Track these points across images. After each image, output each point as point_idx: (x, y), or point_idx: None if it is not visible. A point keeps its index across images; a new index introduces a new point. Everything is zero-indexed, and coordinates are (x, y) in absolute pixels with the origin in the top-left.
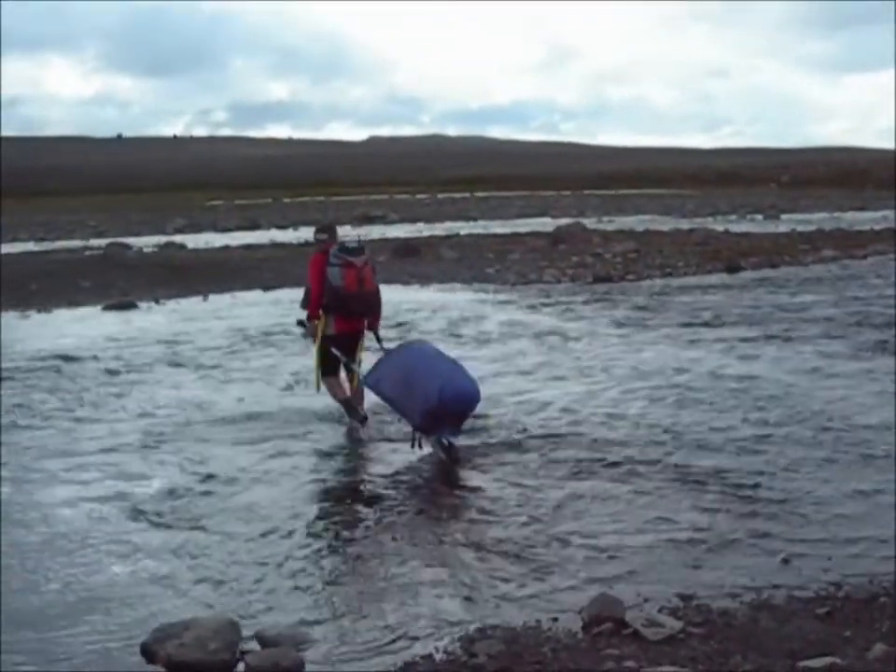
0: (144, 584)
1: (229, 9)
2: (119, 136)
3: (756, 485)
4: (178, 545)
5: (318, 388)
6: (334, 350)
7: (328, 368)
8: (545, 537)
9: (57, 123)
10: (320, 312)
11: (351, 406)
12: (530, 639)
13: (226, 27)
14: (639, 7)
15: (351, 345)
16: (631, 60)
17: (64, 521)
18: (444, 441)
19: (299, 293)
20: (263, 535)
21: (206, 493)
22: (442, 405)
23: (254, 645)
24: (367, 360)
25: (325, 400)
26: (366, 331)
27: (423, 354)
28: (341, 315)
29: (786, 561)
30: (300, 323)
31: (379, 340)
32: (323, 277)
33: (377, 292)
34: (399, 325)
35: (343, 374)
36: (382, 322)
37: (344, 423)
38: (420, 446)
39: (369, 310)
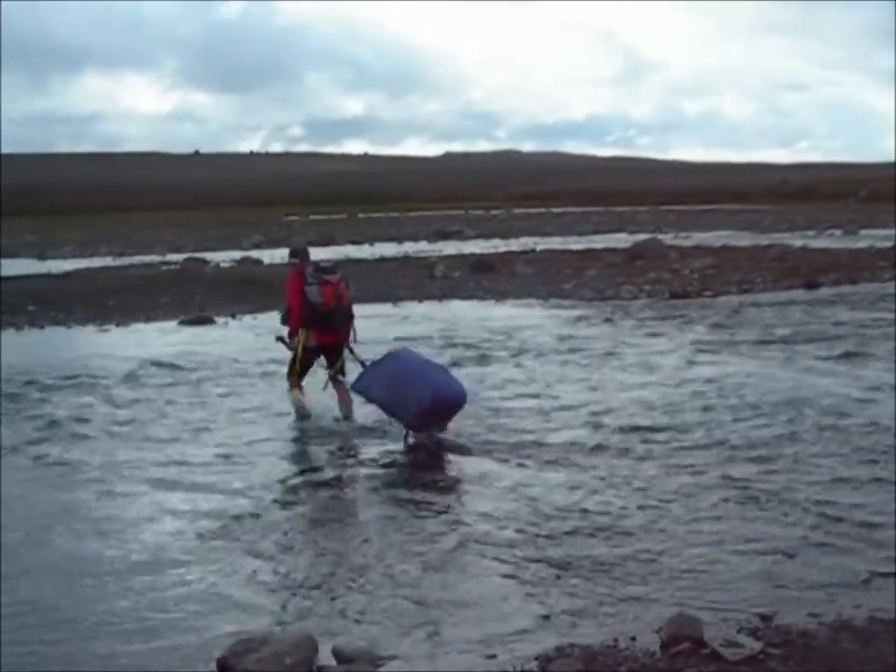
0: (220, 598)
1: (304, 25)
2: (197, 152)
3: (836, 504)
4: (255, 559)
5: (291, 388)
6: (315, 360)
7: (299, 372)
8: (618, 552)
9: (135, 139)
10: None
11: (304, 411)
12: (608, 659)
13: (301, 43)
14: (715, 19)
15: (333, 355)
16: (707, 73)
17: (140, 533)
18: (433, 436)
19: (372, 308)
20: (337, 549)
21: (281, 505)
22: (436, 406)
23: (330, 661)
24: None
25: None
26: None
27: (412, 361)
28: (320, 328)
29: (867, 581)
30: (280, 339)
31: (352, 352)
32: (303, 296)
33: (351, 306)
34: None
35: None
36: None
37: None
38: (408, 441)
39: (345, 322)
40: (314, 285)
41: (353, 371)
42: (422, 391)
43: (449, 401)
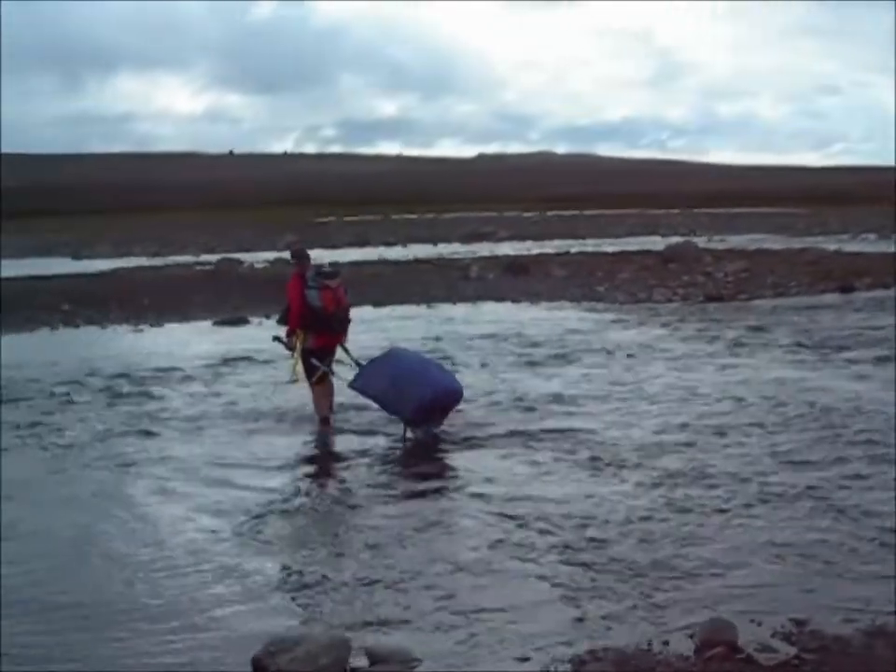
0: (255, 598)
1: (338, 26)
2: (231, 153)
3: (870, 509)
4: (290, 560)
5: (292, 378)
6: (313, 360)
7: (313, 376)
8: (651, 555)
9: (169, 139)
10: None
11: (326, 422)
12: (641, 662)
13: (335, 44)
14: (749, 21)
15: (327, 356)
16: (741, 76)
17: (174, 535)
18: (430, 432)
19: (408, 310)
20: (367, 550)
21: (312, 508)
22: (435, 401)
23: (363, 661)
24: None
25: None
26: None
27: (408, 359)
28: (319, 331)
29: None
30: (277, 339)
31: (347, 351)
32: (303, 298)
33: (349, 309)
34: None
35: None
36: None
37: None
38: (407, 437)
39: (344, 325)
40: (314, 289)
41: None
42: (422, 388)
43: (447, 397)
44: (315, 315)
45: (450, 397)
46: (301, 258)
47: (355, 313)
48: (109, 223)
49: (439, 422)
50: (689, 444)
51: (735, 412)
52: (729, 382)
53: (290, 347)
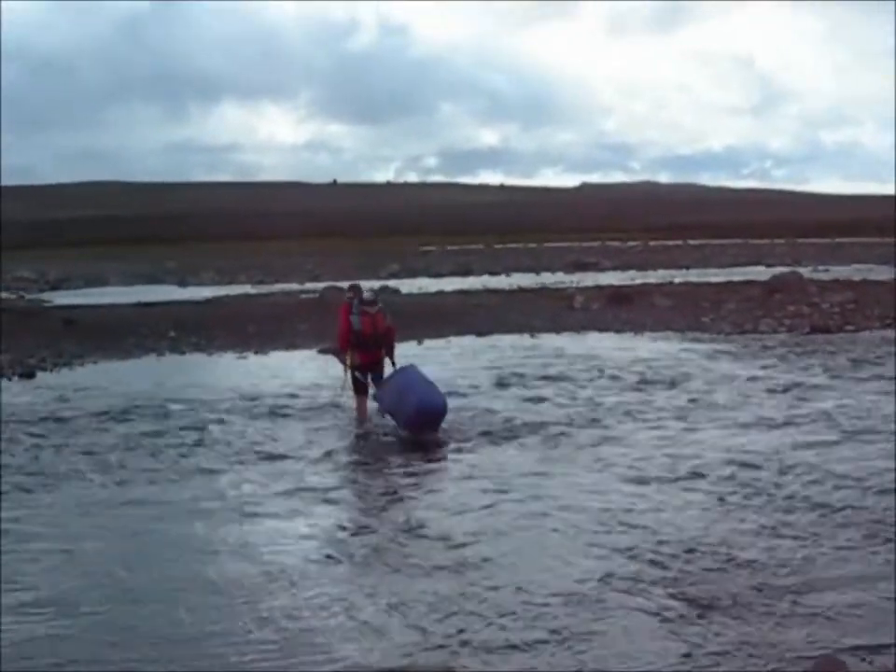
0: (348, 629)
1: (438, 55)
2: (335, 182)
3: None
4: (388, 589)
5: (343, 389)
6: (357, 374)
7: (357, 389)
8: (760, 589)
9: (273, 169)
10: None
11: (360, 417)
12: None
13: (435, 73)
14: (851, 47)
15: (376, 371)
16: (843, 103)
17: (268, 561)
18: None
19: (511, 339)
20: (473, 575)
21: (407, 535)
22: (419, 416)
23: None
24: None
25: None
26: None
27: (409, 377)
28: (360, 349)
29: None
30: (332, 353)
31: (394, 365)
32: (349, 323)
33: (388, 331)
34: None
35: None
36: None
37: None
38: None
39: (381, 345)
40: (356, 315)
41: None
42: (410, 403)
43: (431, 412)
44: (356, 336)
45: (434, 412)
46: (354, 290)
47: (465, 342)
48: (214, 251)
49: (432, 432)
50: (803, 479)
51: (850, 443)
52: (831, 413)
53: (343, 362)
